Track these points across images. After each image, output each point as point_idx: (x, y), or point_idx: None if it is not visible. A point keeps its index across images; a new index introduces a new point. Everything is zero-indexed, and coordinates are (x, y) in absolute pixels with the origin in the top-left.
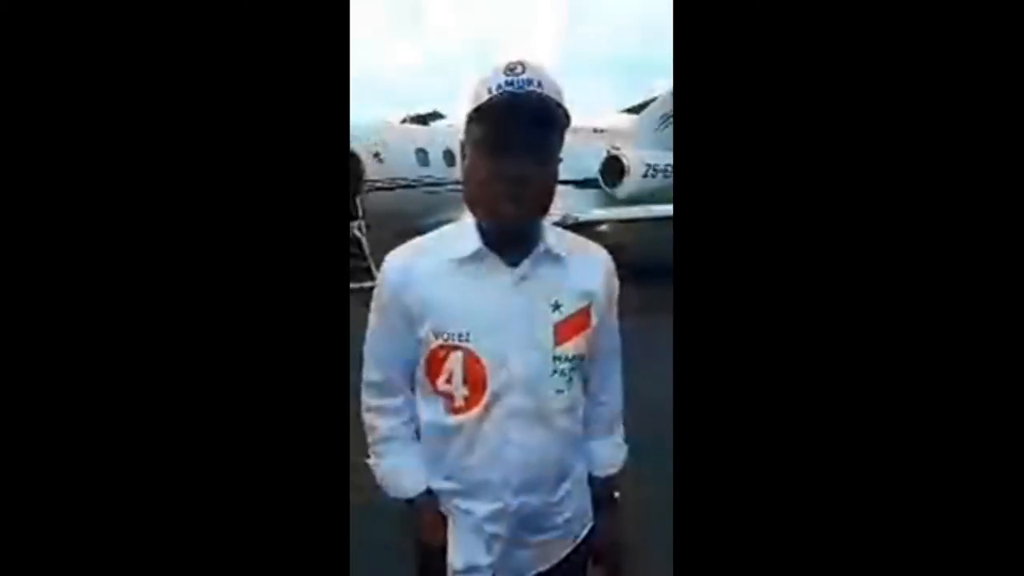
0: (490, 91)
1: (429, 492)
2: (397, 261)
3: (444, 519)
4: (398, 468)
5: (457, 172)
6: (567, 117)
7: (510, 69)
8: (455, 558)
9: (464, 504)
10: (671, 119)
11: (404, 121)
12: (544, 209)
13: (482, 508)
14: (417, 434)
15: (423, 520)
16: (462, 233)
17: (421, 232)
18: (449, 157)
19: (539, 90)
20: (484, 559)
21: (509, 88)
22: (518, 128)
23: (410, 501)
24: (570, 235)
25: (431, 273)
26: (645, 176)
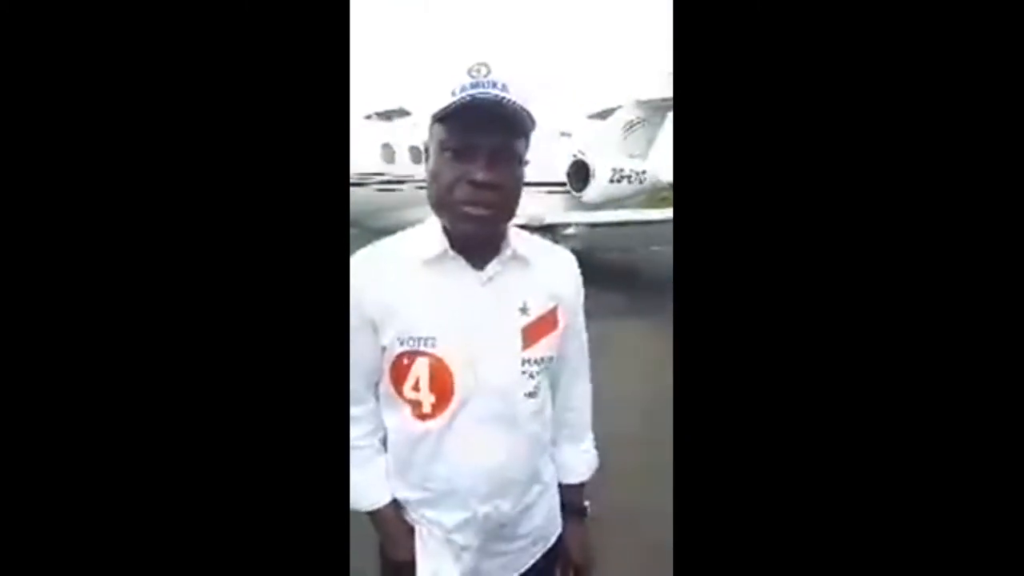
0: (454, 93)
1: (396, 505)
2: (358, 264)
3: (411, 532)
4: (360, 481)
5: (423, 169)
6: (532, 122)
7: (475, 71)
8: (423, 571)
9: (432, 514)
10: (635, 125)
11: (368, 117)
12: (510, 214)
13: (450, 518)
14: (383, 444)
15: (389, 534)
16: (427, 234)
17: (386, 230)
18: (415, 153)
19: (504, 93)
20: (452, 570)
21: (473, 91)
22: (482, 131)
23: (373, 515)
24: (535, 238)
25: (394, 276)
26: (611, 181)
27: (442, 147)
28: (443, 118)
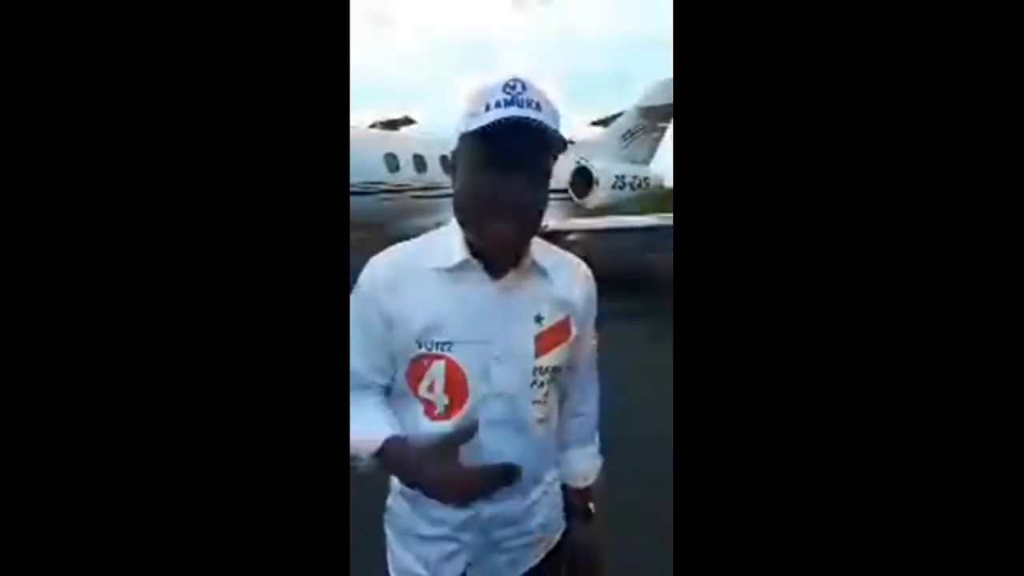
0: (488, 107)
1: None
2: (382, 266)
3: (432, 453)
4: (358, 428)
5: (428, 178)
6: (562, 142)
7: (510, 87)
8: (413, 565)
9: (436, 513)
10: (637, 132)
11: (373, 126)
12: (533, 229)
13: (454, 516)
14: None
15: (404, 461)
16: (448, 242)
17: (391, 238)
18: (419, 163)
19: (537, 112)
20: (454, 570)
21: (508, 107)
22: (513, 148)
23: (380, 454)
24: (554, 248)
25: (415, 281)
26: (614, 187)
27: (472, 160)
28: (474, 133)
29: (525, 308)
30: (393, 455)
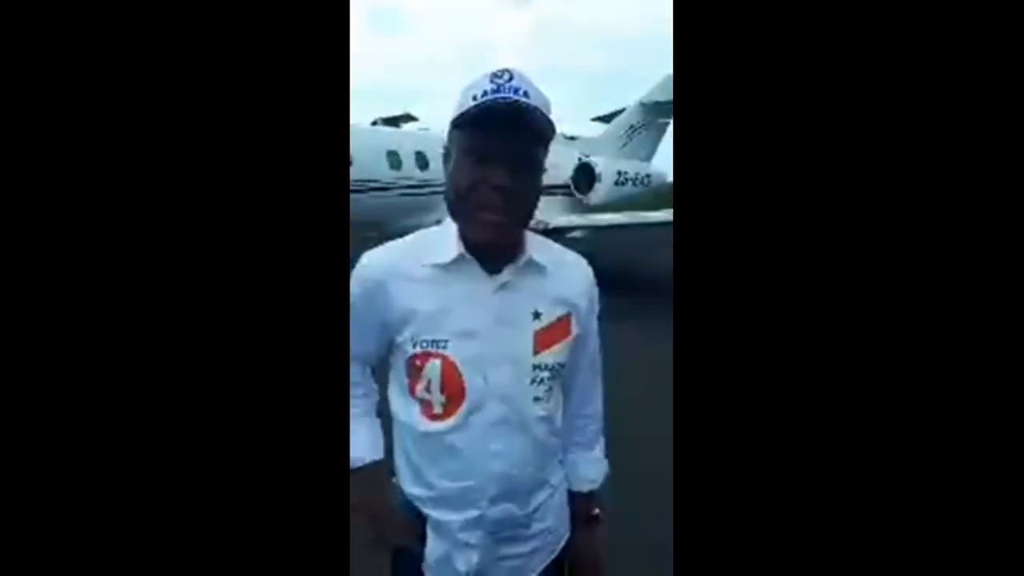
0: (475, 98)
1: (379, 470)
2: (377, 260)
3: (385, 505)
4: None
5: (429, 175)
6: (552, 129)
7: (497, 76)
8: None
9: (438, 513)
10: (640, 128)
11: (375, 123)
12: (526, 219)
13: (456, 517)
14: (378, 411)
15: (362, 501)
16: (443, 238)
17: (392, 236)
18: (421, 159)
19: (525, 99)
20: (461, 566)
21: (495, 95)
22: (502, 136)
23: (353, 475)
24: (553, 245)
25: (410, 279)
26: (616, 183)
27: (463, 151)
28: (465, 122)
29: (522, 304)
30: (365, 479)
